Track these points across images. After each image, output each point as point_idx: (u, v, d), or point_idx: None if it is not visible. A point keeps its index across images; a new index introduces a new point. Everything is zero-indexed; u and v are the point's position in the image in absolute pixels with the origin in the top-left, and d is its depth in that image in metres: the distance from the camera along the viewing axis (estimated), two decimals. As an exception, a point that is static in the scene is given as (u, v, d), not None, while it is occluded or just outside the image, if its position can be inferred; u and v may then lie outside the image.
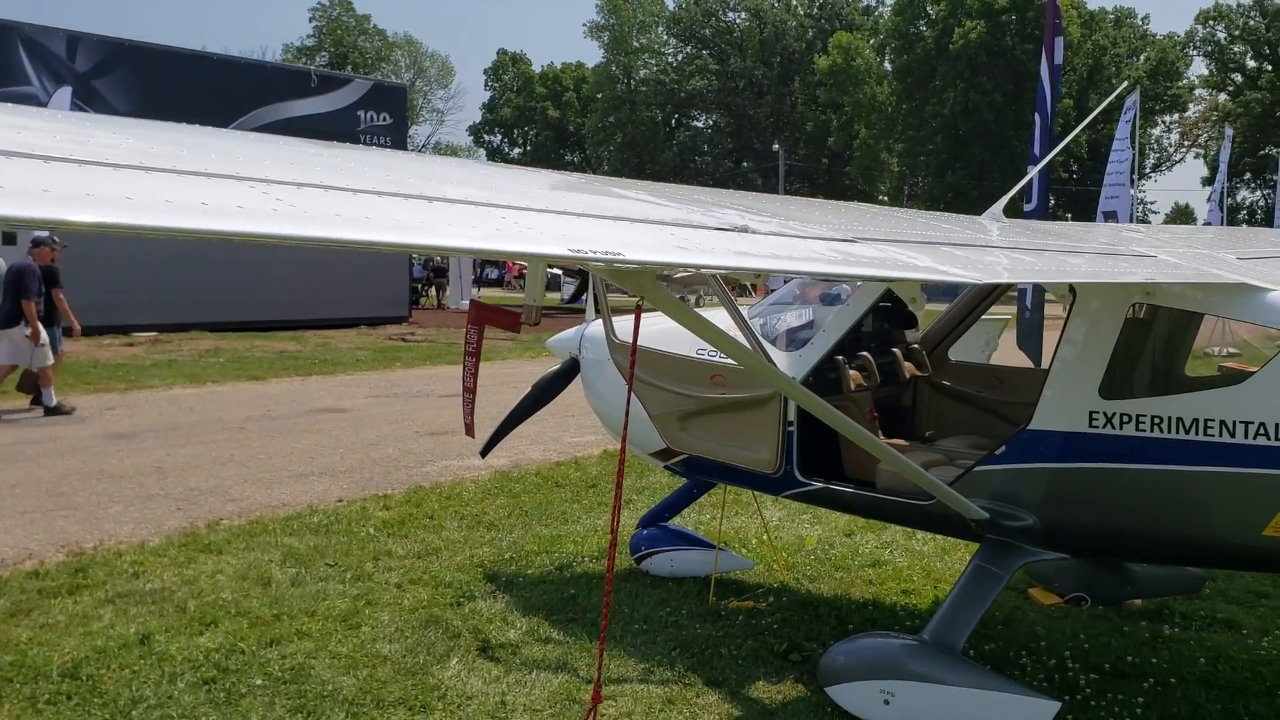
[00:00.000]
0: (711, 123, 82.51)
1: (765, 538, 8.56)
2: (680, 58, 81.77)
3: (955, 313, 7.55)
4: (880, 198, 77.52)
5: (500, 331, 6.64)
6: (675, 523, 8.21)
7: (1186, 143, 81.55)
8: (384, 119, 34.97)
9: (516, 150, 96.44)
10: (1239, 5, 77.76)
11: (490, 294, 59.17)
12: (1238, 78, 75.61)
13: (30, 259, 15.29)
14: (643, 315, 7.02)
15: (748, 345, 6.30)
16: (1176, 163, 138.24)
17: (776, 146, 66.64)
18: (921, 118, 65.58)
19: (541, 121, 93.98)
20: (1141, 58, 73.86)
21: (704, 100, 79.33)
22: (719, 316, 7.21)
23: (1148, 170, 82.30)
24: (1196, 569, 7.19)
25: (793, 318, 6.90)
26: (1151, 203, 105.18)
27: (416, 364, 23.44)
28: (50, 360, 15.21)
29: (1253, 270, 5.74)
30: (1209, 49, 77.69)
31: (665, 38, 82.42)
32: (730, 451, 6.67)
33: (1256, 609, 7.36)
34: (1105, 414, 5.39)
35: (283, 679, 6.08)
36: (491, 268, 60.61)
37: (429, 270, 47.43)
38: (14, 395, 15.66)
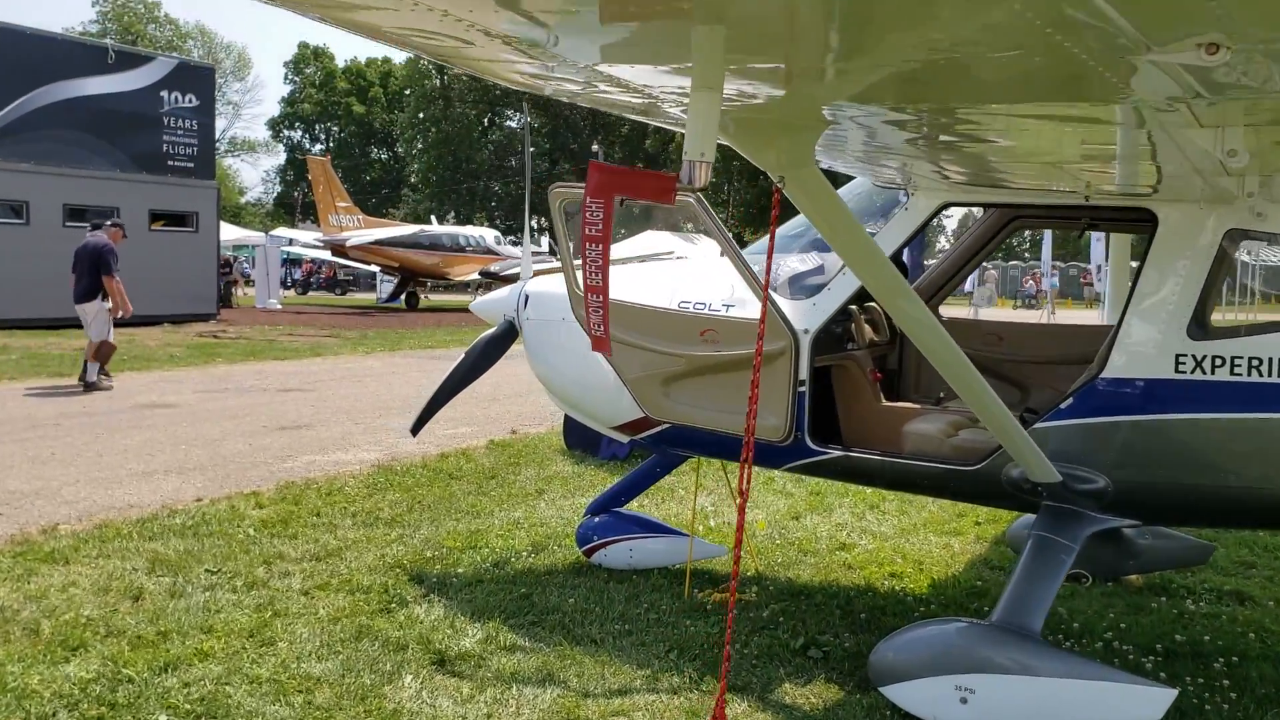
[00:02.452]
0: (526, 122, 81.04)
1: (730, 522, 7.61)
2: (493, 54, 79.73)
3: (947, 266, 6.83)
4: (696, 201, 78.15)
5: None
6: (631, 508, 7.18)
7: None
8: (190, 101, 32.19)
9: (318, 147, 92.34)
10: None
11: (320, 296, 56.33)
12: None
13: (105, 237, 15.96)
14: (573, 263, 6.03)
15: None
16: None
17: (596, 148, 65.84)
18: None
19: (346, 117, 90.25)
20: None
21: (520, 99, 77.72)
22: (709, 257, 6.28)
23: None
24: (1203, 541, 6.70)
25: (796, 262, 6.00)
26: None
27: (239, 360, 21.40)
28: (106, 336, 15.73)
29: None
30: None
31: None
32: (726, 418, 5.72)
33: (1253, 578, 6.98)
34: (1194, 357, 4.74)
35: (195, 713, 4.76)
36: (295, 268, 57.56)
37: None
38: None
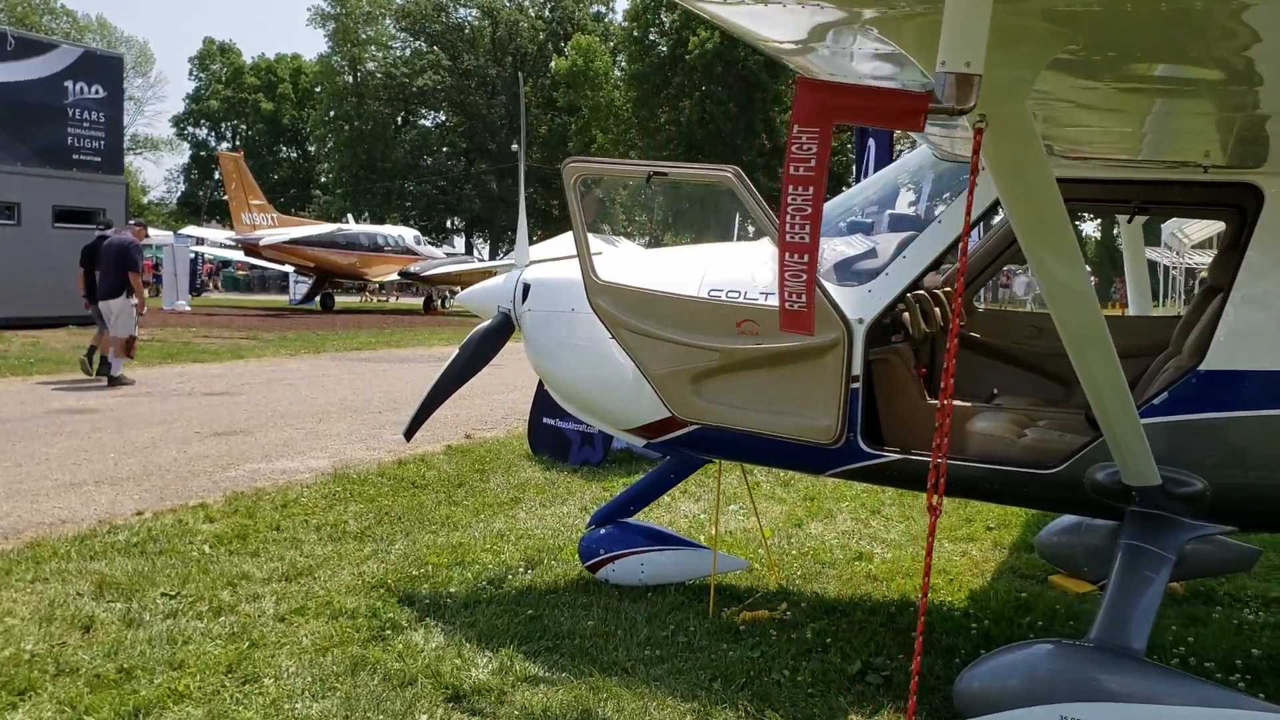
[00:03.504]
0: (442, 121, 79.55)
1: (760, 533, 7.10)
2: (409, 52, 78.34)
3: (983, 254, 6.35)
4: (619, 205, 77.52)
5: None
6: (640, 518, 6.57)
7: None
8: (96, 92, 30.54)
9: (225, 145, 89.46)
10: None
11: (219, 297, 54.41)
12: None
13: (130, 235, 16.30)
14: (589, 247, 5.43)
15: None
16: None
17: (516, 147, 64.59)
18: (658, 124, 65.86)
19: (254, 114, 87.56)
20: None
21: (435, 97, 76.32)
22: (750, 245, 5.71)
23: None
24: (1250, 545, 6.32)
25: (841, 245, 5.45)
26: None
27: (156, 362, 20.19)
28: (133, 331, 16.11)
29: None
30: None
31: (394, 31, 78.66)
32: (768, 418, 5.15)
33: (1291, 584, 6.62)
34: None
35: (180, 769, 4.03)
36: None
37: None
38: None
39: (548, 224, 78.26)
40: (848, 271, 5.23)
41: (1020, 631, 5.57)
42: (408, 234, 46.00)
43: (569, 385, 5.95)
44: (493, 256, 76.60)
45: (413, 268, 42.33)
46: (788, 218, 2.86)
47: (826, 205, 5.97)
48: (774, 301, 5.12)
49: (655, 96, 66.33)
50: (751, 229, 9.93)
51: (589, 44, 69.74)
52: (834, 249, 5.38)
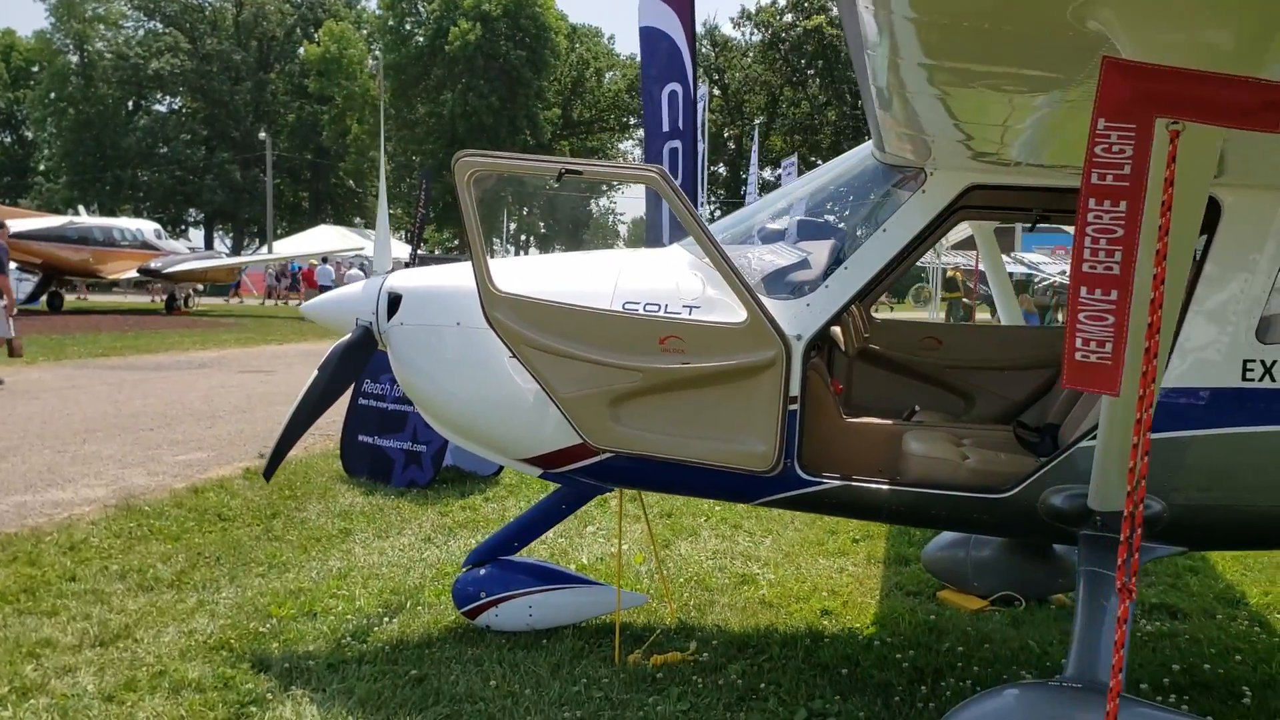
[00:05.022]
0: (179, 106, 74.14)
1: (655, 565, 6.55)
2: (143, 33, 72.56)
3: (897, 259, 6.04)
4: (371, 196, 74.89)
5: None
6: (524, 555, 5.91)
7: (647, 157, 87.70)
8: None
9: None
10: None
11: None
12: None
13: None
14: (485, 254, 4.80)
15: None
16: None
17: (263, 135, 60.95)
18: (417, 117, 64.02)
19: (-44, 94, 79.21)
20: (606, 77, 78.31)
21: (173, 81, 70.99)
22: (685, 253, 5.18)
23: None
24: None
25: (768, 254, 5.00)
26: (621, 213, 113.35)
27: None
28: (8, 334, 16.15)
29: None
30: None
31: (126, 10, 72.51)
32: (696, 445, 4.67)
33: (1166, 587, 6.72)
34: (1264, 362, 4.23)
35: None
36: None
37: None
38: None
39: (296, 216, 74.71)
40: (781, 283, 4.80)
41: (943, 659, 5.32)
42: (147, 227, 42.54)
43: (451, 410, 5.23)
44: (236, 251, 72.43)
45: (153, 264, 39.21)
46: (1087, 240, 2.36)
47: (738, 213, 5.56)
48: (702, 316, 4.66)
49: (413, 88, 64.51)
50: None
51: (342, 31, 66.95)
52: (761, 258, 4.94)
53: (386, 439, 9.50)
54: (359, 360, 5.50)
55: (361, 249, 51.78)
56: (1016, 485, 4.49)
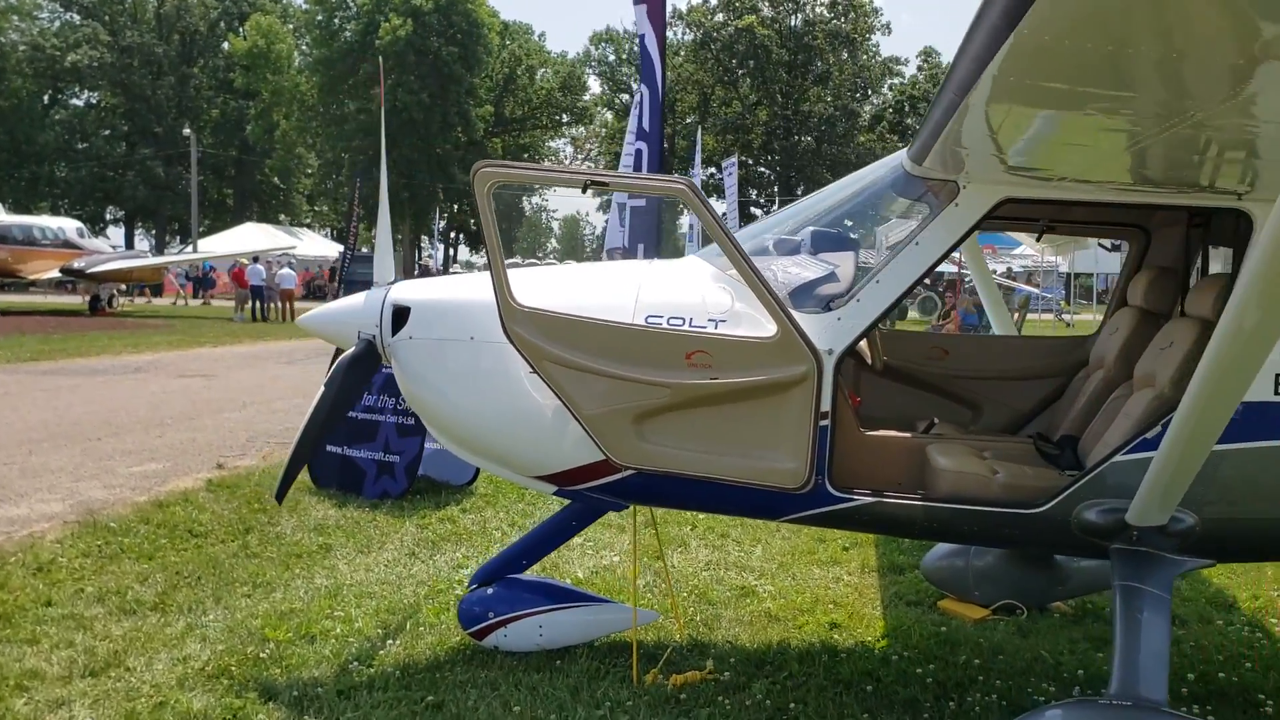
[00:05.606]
0: (97, 100, 71.92)
1: (666, 580, 6.45)
2: (59, 24, 70.28)
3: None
4: (298, 194, 73.62)
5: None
6: (534, 573, 5.77)
7: (580, 155, 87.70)
8: None
9: None
10: (625, 30, 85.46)
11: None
12: (625, 97, 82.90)
13: None
14: (505, 266, 4.68)
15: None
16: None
17: (187, 131, 59.31)
18: (346, 112, 62.97)
19: None
20: (538, 74, 77.80)
21: (92, 75, 68.80)
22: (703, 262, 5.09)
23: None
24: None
25: (794, 267, 4.91)
26: (554, 210, 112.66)
27: None
28: None
29: None
30: (602, 69, 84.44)
31: (40, 0, 70.04)
32: (725, 462, 4.59)
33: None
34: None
35: None
36: None
37: None
38: None
39: (220, 214, 72.96)
40: (810, 296, 4.73)
41: (963, 673, 5.30)
42: (69, 226, 41.29)
43: (462, 427, 5.07)
44: (159, 250, 70.58)
45: (77, 264, 38.05)
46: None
47: (758, 224, 5.46)
48: (729, 330, 4.58)
49: (342, 84, 63.46)
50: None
51: (270, 25, 65.57)
52: (786, 270, 4.87)
53: (357, 449, 9.26)
54: (364, 374, 5.32)
55: (293, 247, 50.86)
56: (1049, 500, 4.48)
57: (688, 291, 4.77)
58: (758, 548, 7.67)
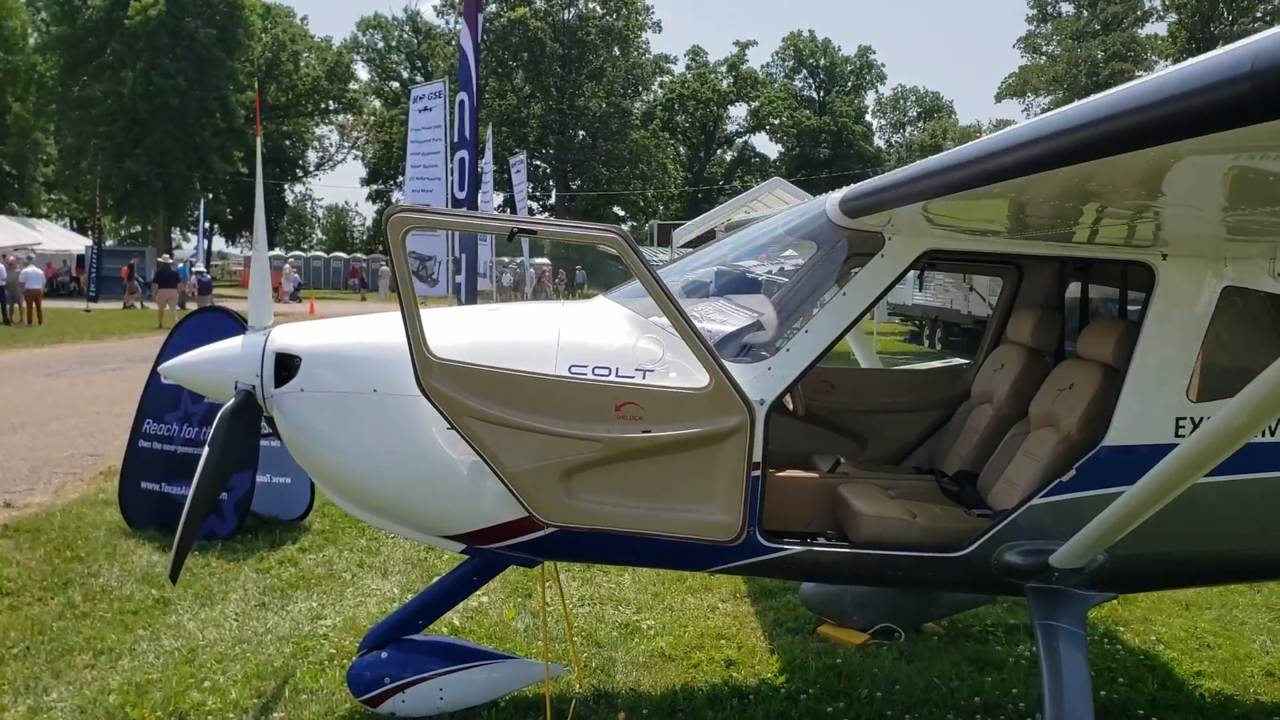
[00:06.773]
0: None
1: (565, 630, 6.20)
2: None
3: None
4: (37, 182, 67.74)
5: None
6: (430, 632, 5.45)
7: (346, 144, 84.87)
8: None
9: None
10: (394, 18, 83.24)
11: None
12: (395, 85, 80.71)
13: None
14: (420, 316, 4.41)
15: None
16: (339, 162, 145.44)
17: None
18: (92, 96, 58.23)
19: None
20: (303, 60, 74.59)
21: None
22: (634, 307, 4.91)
23: (311, 168, 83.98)
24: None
25: (716, 314, 4.80)
26: (319, 199, 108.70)
27: None
28: None
29: None
30: (370, 55, 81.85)
31: None
32: (656, 516, 4.47)
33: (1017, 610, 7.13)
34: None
35: None
36: None
37: None
38: None
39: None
40: (738, 346, 4.66)
41: (873, 707, 5.38)
42: None
43: (363, 487, 4.71)
44: None
45: None
46: None
47: (678, 263, 5.34)
48: (657, 380, 4.45)
49: (87, 65, 58.77)
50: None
51: (1, -1, 59.87)
52: (709, 317, 4.77)
53: (176, 486, 8.54)
54: (248, 427, 4.85)
55: (39, 243, 46.83)
56: (972, 543, 4.59)
57: (608, 338, 4.60)
58: (625, 576, 7.57)
